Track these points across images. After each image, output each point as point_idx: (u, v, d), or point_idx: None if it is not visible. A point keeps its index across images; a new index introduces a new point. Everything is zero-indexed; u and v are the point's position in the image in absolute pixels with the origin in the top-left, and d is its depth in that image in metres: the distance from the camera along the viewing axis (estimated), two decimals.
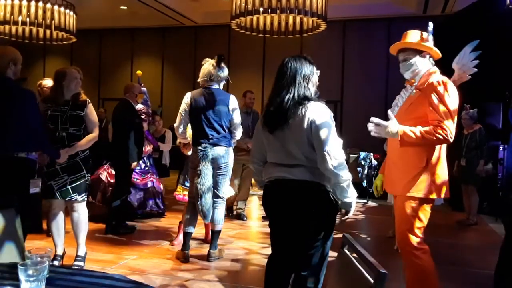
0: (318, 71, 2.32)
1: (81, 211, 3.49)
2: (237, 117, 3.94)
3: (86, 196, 3.51)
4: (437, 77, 2.54)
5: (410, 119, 2.51)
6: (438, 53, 2.66)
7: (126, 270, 3.55)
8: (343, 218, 2.27)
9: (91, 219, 4.98)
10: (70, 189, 3.36)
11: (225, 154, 3.86)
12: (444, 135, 2.38)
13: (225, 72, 3.95)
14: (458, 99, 2.51)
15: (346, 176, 2.12)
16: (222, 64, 3.91)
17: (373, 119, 2.46)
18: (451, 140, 2.42)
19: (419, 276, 2.54)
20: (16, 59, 3.02)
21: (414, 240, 2.53)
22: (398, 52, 2.71)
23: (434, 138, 2.39)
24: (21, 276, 1.17)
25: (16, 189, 2.99)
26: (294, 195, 2.18)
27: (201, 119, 3.81)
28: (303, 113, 2.13)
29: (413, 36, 2.65)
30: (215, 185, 3.85)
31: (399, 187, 2.59)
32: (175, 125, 3.96)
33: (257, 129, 2.41)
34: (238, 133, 3.98)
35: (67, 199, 3.40)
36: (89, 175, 3.55)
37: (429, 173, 2.50)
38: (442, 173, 2.55)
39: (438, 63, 2.71)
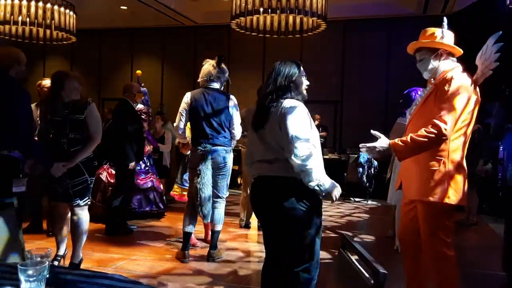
0: (305, 74, 2.37)
1: (82, 216, 3.40)
2: (236, 117, 3.94)
3: (88, 200, 3.43)
4: (454, 72, 2.42)
5: (425, 114, 2.41)
6: (456, 49, 2.52)
7: (126, 270, 3.55)
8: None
9: (91, 219, 4.99)
10: (72, 193, 3.30)
11: (225, 154, 3.86)
12: (436, 131, 2.26)
13: (225, 73, 3.95)
14: (474, 99, 2.40)
15: (305, 160, 2.09)
16: (222, 65, 3.91)
17: (361, 145, 2.46)
18: (447, 136, 2.29)
19: (439, 285, 2.43)
20: (20, 60, 3.04)
21: (437, 245, 2.39)
22: (415, 52, 2.62)
23: (427, 139, 2.27)
24: (21, 276, 1.17)
25: None
26: (271, 191, 2.25)
27: (201, 119, 3.81)
28: (278, 107, 2.22)
29: (426, 35, 2.56)
30: (215, 185, 3.85)
31: (413, 190, 2.49)
32: (175, 124, 3.96)
33: (248, 132, 2.49)
34: (238, 133, 3.98)
35: (70, 203, 3.35)
36: (92, 178, 3.44)
37: (446, 176, 2.37)
38: (460, 178, 2.40)
39: None
